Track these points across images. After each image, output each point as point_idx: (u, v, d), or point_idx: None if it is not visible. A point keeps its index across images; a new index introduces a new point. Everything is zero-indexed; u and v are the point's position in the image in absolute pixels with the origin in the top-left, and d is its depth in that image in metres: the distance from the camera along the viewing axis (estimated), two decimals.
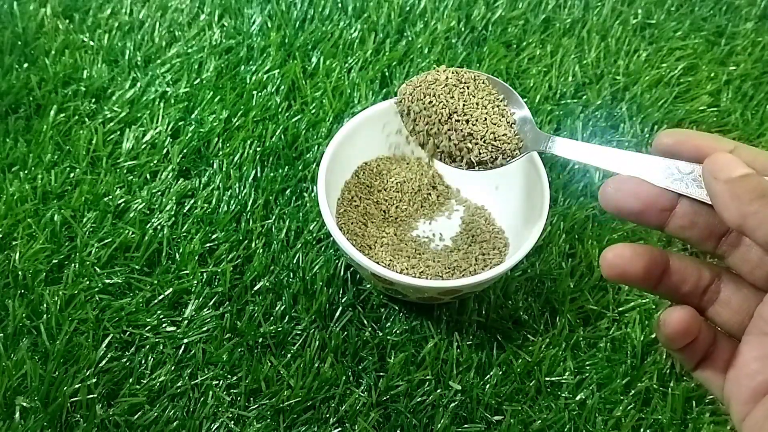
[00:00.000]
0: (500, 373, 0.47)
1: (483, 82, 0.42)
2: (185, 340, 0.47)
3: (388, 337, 0.48)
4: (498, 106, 0.41)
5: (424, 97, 0.41)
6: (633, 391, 0.46)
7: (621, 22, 0.66)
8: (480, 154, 0.40)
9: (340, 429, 0.44)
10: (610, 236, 0.52)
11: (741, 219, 0.25)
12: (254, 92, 0.59)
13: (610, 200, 0.29)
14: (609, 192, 0.29)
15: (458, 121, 0.40)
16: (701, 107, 0.60)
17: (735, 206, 0.26)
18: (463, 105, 0.40)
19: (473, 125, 0.40)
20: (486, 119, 0.40)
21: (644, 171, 0.30)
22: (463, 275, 0.47)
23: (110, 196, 0.52)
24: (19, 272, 0.48)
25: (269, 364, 0.46)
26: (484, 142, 0.40)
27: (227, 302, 0.48)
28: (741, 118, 0.60)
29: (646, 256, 0.28)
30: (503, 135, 0.40)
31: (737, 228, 0.26)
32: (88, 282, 0.48)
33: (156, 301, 0.48)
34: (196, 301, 0.48)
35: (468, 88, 0.41)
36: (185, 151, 0.55)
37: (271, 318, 0.48)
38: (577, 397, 0.46)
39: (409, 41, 0.63)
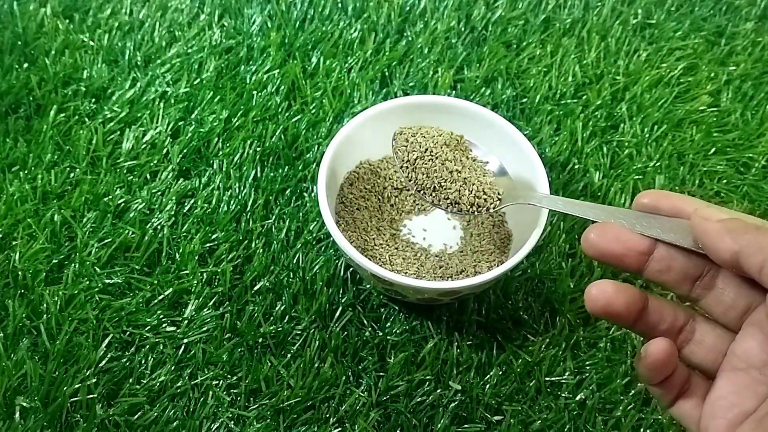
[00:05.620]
0: (500, 373, 0.47)
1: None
2: (185, 340, 0.47)
3: (388, 337, 0.48)
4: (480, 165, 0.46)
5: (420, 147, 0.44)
6: (633, 391, 0.46)
7: (621, 22, 0.66)
8: (471, 198, 0.43)
9: (340, 429, 0.44)
10: None
11: (737, 249, 0.27)
12: (254, 92, 0.59)
13: (593, 245, 0.31)
14: (592, 237, 0.31)
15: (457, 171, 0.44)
16: (701, 107, 0.60)
17: (730, 238, 0.27)
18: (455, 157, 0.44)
19: (467, 174, 0.44)
20: (476, 170, 0.45)
21: (623, 220, 0.31)
22: (462, 276, 0.47)
23: (110, 196, 0.52)
24: (19, 272, 0.48)
25: (269, 364, 0.46)
26: (476, 189, 0.43)
27: (227, 302, 0.48)
28: (741, 118, 0.60)
29: (628, 293, 0.30)
30: (489, 184, 0.44)
31: (731, 259, 0.27)
32: (88, 282, 0.48)
33: (156, 301, 0.48)
34: (196, 301, 0.48)
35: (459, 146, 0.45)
36: (185, 151, 0.55)
37: (271, 318, 0.48)
38: (577, 397, 0.46)
39: (409, 41, 0.63)
